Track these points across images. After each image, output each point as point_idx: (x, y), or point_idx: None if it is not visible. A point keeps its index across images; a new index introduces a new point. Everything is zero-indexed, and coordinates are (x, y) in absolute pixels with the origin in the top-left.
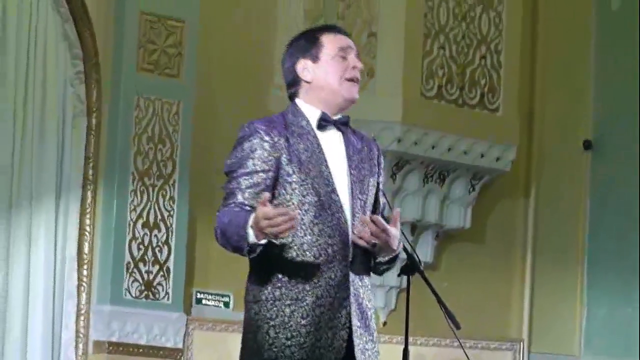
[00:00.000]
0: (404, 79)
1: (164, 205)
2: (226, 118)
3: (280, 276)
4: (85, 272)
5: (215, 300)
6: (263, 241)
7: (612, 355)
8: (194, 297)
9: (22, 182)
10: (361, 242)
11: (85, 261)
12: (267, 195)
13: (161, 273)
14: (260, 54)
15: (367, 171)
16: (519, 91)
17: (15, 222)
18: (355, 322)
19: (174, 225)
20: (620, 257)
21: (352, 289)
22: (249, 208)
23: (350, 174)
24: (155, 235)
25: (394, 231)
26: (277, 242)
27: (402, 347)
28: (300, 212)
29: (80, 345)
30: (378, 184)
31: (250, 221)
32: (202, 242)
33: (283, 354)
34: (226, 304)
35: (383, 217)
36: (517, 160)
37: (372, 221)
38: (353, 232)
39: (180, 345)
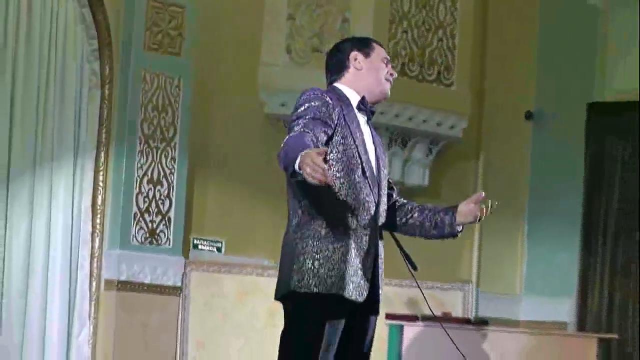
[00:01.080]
0: None
1: (166, 165)
2: (219, 90)
3: (326, 220)
4: (98, 221)
5: (209, 246)
6: (297, 166)
7: (548, 295)
8: (191, 243)
9: (45, 144)
10: (471, 220)
11: (99, 212)
12: (326, 149)
13: (163, 222)
14: (248, 36)
15: (383, 152)
16: (471, 69)
17: (38, 179)
18: (378, 264)
19: (174, 182)
20: (556, 210)
21: (377, 241)
22: (311, 139)
23: (375, 150)
24: (159, 190)
25: None
26: (299, 178)
27: None
28: (341, 173)
29: (94, 283)
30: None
31: (303, 153)
32: (198, 196)
33: (325, 282)
34: (219, 249)
35: (390, 187)
36: (468, 128)
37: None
38: (450, 211)
39: (179, 284)
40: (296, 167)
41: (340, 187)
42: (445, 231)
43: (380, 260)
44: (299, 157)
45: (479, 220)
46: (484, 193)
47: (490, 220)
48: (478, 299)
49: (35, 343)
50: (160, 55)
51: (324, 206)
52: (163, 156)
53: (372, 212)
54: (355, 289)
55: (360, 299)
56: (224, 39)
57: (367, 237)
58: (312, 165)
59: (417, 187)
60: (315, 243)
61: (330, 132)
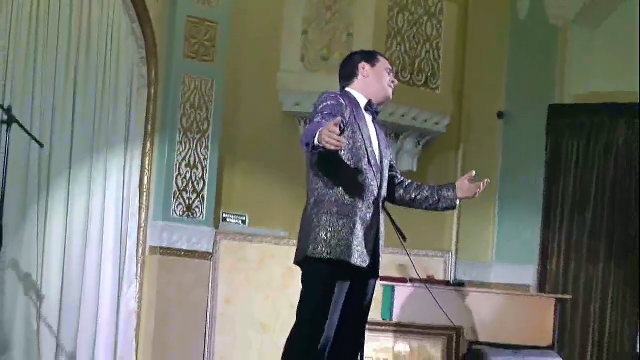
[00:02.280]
0: None
1: (200, 152)
2: (245, 92)
3: (338, 200)
4: (144, 198)
5: (235, 220)
6: (317, 142)
7: (515, 263)
8: (220, 217)
9: (101, 134)
10: (470, 196)
11: (145, 191)
12: (339, 119)
13: (198, 200)
14: (270, 47)
15: (386, 146)
16: (452, 76)
17: (95, 163)
18: (380, 237)
19: (207, 167)
20: (522, 193)
21: (379, 218)
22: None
23: (379, 144)
24: (194, 173)
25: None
26: (319, 150)
27: None
28: (351, 161)
29: (140, 250)
30: (391, 155)
31: (321, 129)
32: (227, 179)
33: (335, 251)
34: (243, 222)
35: (394, 172)
36: (450, 125)
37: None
38: (449, 187)
39: (210, 251)
40: (316, 142)
41: (348, 158)
42: (448, 205)
43: (381, 234)
44: (318, 133)
45: (475, 197)
46: (474, 173)
47: (467, 202)
48: (457, 266)
49: (92, 299)
50: (197, 63)
51: (337, 188)
52: (198, 145)
53: (376, 194)
54: (359, 257)
55: (364, 266)
56: (249, 49)
57: (371, 215)
58: (328, 134)
59: (407, 172)
60: (328, 219)
61: (342, 127)
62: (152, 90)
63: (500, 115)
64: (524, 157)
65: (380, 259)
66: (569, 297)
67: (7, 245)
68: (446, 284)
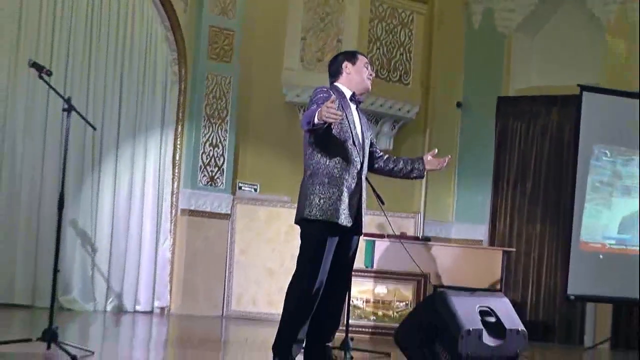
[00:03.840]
0: None
1: (221, 134)
2: (256, 86)
3: (328, 172)
4: (176, 171)
5: (249, 187)
6: (316, 121)
7: (470, 222)
8: (237, 186)
9: (142, 119)
10: (436, 168)
11: (177, 164)
12: (334, 97)
13: (219, 172)
14: (275, 50)
15: (367, 128)
16: (421, 74)
17: (137, 142)
18: (362, 203)
19: (226, 145)
20: (476, 166)
21: (361, 187)
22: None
23: (361, 127)
24: (216, 151)
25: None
26: (318, 127)
27: None
28: (340, 141)
29: (173, 211)
30: (371, 135)
31: (318, 110)
32: (242, 156)
33: (326, 213)
34: (255, 189)
35: (374, 148)
36: (419, 113)
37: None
38: (419, 160)
39: (228, 212)
40: (316, 120)
41: (337, 138)
42: (418, 174)
43: (363, 199)
44: (317, 112)
45: (440, 169)
46: (437, 150)
47: (433, 173)
48: (424, 224)
49: (134, 250)
50: (218, 63)
51: (327, 163)
52: (219, 129)
53: (358, 167)
54: (345, 218)
55: (349, 225)
56: (259, 52)
57: (354, 184)
58: (327, 109)
59: (385, 150)
60: (320, 187)
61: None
62: (182, 85)
63: (459, 104)
64: (477, 138)
65: (363, 219)
66: (513, 249)
67: (67, 208)
68: (415, 238)
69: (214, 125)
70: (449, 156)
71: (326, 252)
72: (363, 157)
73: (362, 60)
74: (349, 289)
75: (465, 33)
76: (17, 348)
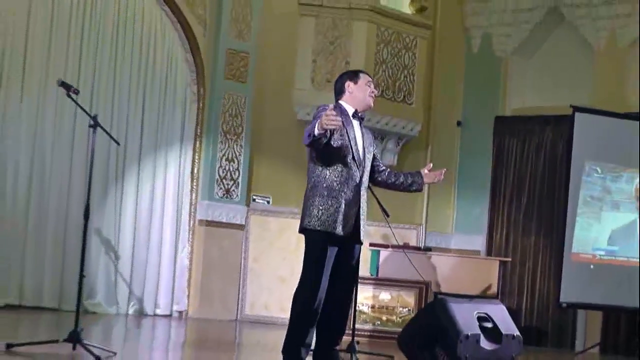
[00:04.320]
0: None
1: (236, 149)
2: (269, 104)
3: (328, 185)
4: (194, 184)
5: (262, 199)
6: (317, 132)
7: (469, 233)
8: (251, 198)
9: (163, 135)
10: (434, 181)
11: (195, 177)
12: (332, 105)
13: (234, 185)
14: (287, 72)
15: (369, 144)
16: (423, 94)
17: (158, 156)
18: (361, 214)
19: (241, 160)
20: (474, 181)
21: (360, 199)
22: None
23: (363, 142)
24: (232, 165)
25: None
26: (327, 134)
27: None
28: (340, 156)
29: (191, 221)
30: (374, 150)
31: (318, 121)
32: (256, 170)
33: (324, 224)
34: (268, 202)
35: (376, 163)
36: (421, 130)
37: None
38: (417, 174)
39: (243, 223)
40: (316, 131)
41: (337, 153)
42: (417, 187)
43: (362, 211)
44: (317, 123)
45: (438, 182)
46: (431, 164)
47: (434, 186)
48: (426, 235)
49: (155, 257)
50: (234, 83)
51: (328, 176)
52: (234, 144)
53: (357, 181)
54: (342, 228)
55: (346, 234)
56: (272, 73)
57: (353, 197)
58: (326, 117)
59: (389, 165)
60: (319, 199)
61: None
62: (201, 103)
63: (459, 123)
64: (475, 155)
65: (362, 229)
66: (509, 259)
67: (92, 218)
68: (417, 248)
69: (229, 141)
70: (445, 169)
71: (327, 261)
72: (363, 171)
73: (364, 78)
74: (354, 295)
75: (465, 56)
76: (44, 348)
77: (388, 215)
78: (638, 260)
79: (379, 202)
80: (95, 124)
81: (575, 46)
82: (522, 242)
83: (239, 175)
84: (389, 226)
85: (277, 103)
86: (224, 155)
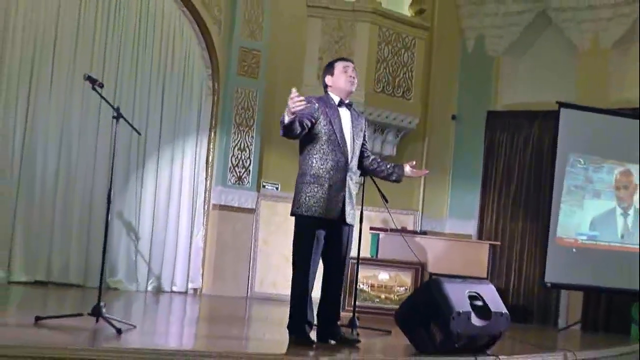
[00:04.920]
0: (366, 82)
1: (248, 140)
2: (278, 98)
3: (315, 173)
4: (209, 171)
5: (272, 186)
6: (287, 119)
7: (461, 218)
8: (261, 184)
9: (180, 126)
10: (418, 174)
11: (210, 165)
12: (294, 88)
13: (246, 172)
14: (296, 69)
15: (359, 129)
16: (421, 90)
17: (176, 146)
18: (347, 199)
19: (252, 149)
20: (467, 170)
21: (346, 183)
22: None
23: (352, 129)
24: (244, 154)
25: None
26: (294, 120)
27: (359, 211)
28: (326, 143)
29: (206, 206)
30: (364, 136)
31: (287, 108)
32: (266, 158)
33: (312, 208)
34: (277, 188)
35: (364, 149)
36: (419, 124)
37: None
38: (400, 167)
39: (254, 207)
40: (286, 119)
41: (324, 140)
42: (397, 178)
43: (348, 195)
44: (286, 112)
45: (420, 176)
46: (415, 162)
47: (430, 174)
48: (422, 219)
49: (172, 239)
50: (246, 78)
51: (314, 164)
52: (246, 135)
53: (343, 167)
54: (329, 212)
55: (333, 218)
56: (282, 70)
57: (339, 182)
58: (291, 101)
59: (389, 156)
60: (307, 186)
61: (313, 119)
62: (215, 97)
63: (453, 117)
64: (468, 146)
65: (348, 212)
66: (498, 243)
67: (115, 202)
68: (414, 232)
69: (242, 132)
70: (427, 171)
71: (315, 243)
72: (350, 157)
73: (338, 67)
74: (344, 274)
75: (460, 56)
76: (70, 321)
77: (387, 201)
78: (617, 244)
79: (379, 189)
80: (118, 115)
81: (561, 47)
82: (510, 227)
83: (250, 164)
84: (388, 211)
85: (286, 97)
86: (236, 144)
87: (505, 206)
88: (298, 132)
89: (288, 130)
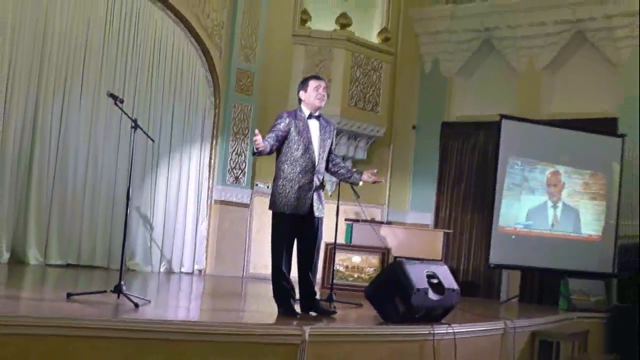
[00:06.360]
0: (342, 98)
1: (243, 146)
2: (270, 112)
3: (286, 176)
4: (211, 172)
5: (263, 185)
6: (255, 150)
7: (420, 211)
8: (254, 184)
9: (187, 134)
10: (373, 179)
11: (212, 167)
12: (257, 130)
13: (242, 173)
14: (283, 87)
15: (327, 137)
16: (387, 104)
17: (184, 151)
18: (314, 197)
19: (247, 154)
20: (425, 172)
21: (314, 184)
22: (271, 140)
23: (320, 139)
24: (240, 158)
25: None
26: (258, 150)
27: (335, 205)
28: (298, 150)
29: (209, 201)
30: (332, 143)
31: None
32: (258, 162)
33: (283, 207)
34: (267, 187)
35: (330, 154)
36: (386, 132)
37: (376, 175)
38: (359, 173)
39: (248, 202)
40: (254, 150)
41: (295, 148)
42: (354, 181)
43: (316, 193)
44: (253, 147)
45: (374, 183)
46: (376, 170)
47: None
48: (388, 212)
49: (181, 228)
50: (242, 95)
51: (286, 167)
52: (242, 142)
53: (310, 170)
54: (299, 209)
55: (302, 213)
56: (272, 88)
57: (307, 184)
58: (254, 142)
59: (360, 160)
60: (280, 188)
61: (284, 133)
62: (217, 110)
63: (414, 127)
64: (426, 151)
65: (317, 207)
66: (451, 231)
67: (133, 198)
68: (381, 222)
69: (238, 139)
70: (383, 179)
71: (287, 234)
72: (317, 162)
73: (311, 85)
74: (316, 262)
75: (419, 76)
76: (96, 297)
77: (359, 197)
78: (548, 232)
79: (352, 187)
80: (135, 126)
81: (502, 69)
82: (461, 217)
83: (245, 166)
84: (360, 205)
85: (275, 111)
86: (234, 150)
87: (456, 201)
88: (266, 153)
89: (258, 155)
